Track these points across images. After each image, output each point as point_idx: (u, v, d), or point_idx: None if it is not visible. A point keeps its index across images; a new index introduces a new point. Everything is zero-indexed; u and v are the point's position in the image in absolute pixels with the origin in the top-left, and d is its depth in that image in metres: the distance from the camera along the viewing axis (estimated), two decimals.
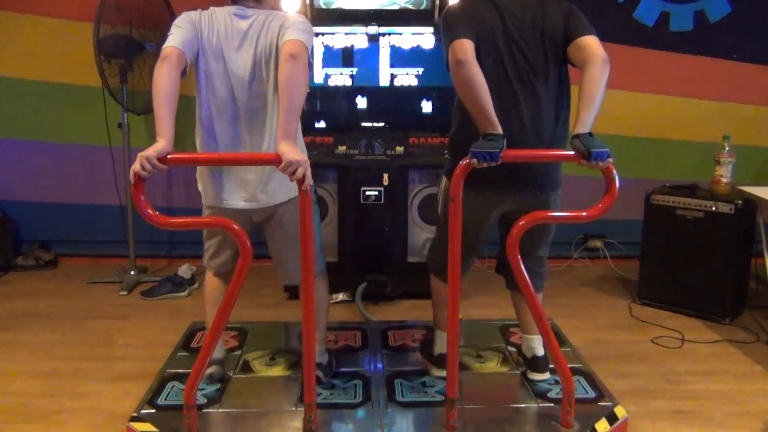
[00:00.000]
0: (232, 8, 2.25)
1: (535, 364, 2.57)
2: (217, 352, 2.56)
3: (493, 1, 2.25)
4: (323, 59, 3.41)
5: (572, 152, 2.05)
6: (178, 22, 2.21)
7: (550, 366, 2.53)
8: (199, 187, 2.39)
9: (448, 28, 2.20)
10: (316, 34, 3.36)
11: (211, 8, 2.26)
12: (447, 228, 2.38)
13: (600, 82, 2.08)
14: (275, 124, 2.22)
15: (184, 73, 2.15)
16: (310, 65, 2.16)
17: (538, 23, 2.22)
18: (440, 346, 2.59)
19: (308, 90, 2.17)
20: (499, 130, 2.07)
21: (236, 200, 2.31)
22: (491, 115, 2.08)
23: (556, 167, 2.38)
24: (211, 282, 2.53)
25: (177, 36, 2.15)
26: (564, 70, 2.30)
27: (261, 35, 2.20)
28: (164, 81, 2.05)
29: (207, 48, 2.21)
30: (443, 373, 2.49)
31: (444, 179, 2.50)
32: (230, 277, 2.34)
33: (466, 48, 2.10)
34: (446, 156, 2.49)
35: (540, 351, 2.56)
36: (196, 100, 2.28)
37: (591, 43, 2.15)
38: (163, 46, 2.13)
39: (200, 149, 2.31)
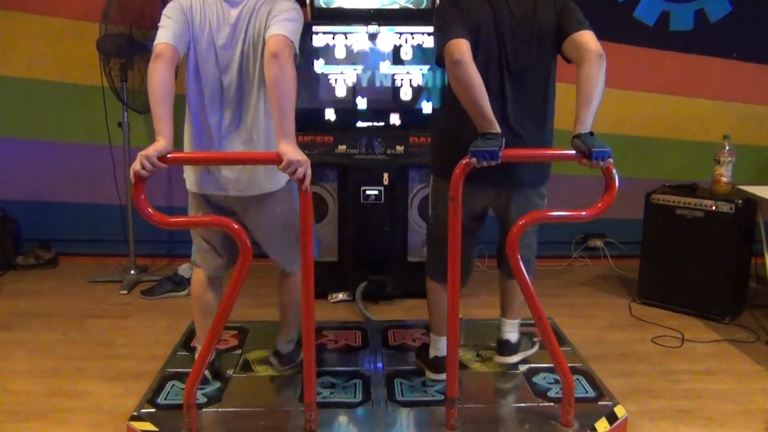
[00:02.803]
0: None
1: (500, 346, 2.63)
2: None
3: None
4: (323, 58, 3.40)
5: (572, 151, 2.05)
6: (167, 11, 2.16)
7: (518, 355, 2.63)
8: (184, 175, 2.35)
9: (442, 25, 2.19)
10: (317, 33, 3.37)
11: None
12: (436, 229, 2.42)
13: (596, 79, 2.07)
14: (262, 114, 2.21)
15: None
16: (296, 57, 2.11)
17: (529, 19, 2.22)
18: (434, 349, 2.59)
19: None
20: (497, 129, 2.07)
21: (219, 188, 2.29)
22: (489, 114, 2.08)
23: (542, 163, 2.39)
24: (201, 285, 2.45)
25: (168, 30, 2.10)
26: (553, 66, 2.30)
27: (250, 24, 2.17)
28: (159, 80, 2.02)
29: (198, 37, 2.18)
30: (440, 377, 2.52)
31: (432, 178, 2.50)
32: (218, 284, 2.35)
33: (462, 47, 2.10)
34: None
35: (507, 335, 2.61)
36: (186, 88, 2.25)
37: (586, 38, 2.14)
38: (155, 43, 2.08)
39: (187, 138, 2.29)
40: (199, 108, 2.25)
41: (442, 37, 2.15)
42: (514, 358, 2.64)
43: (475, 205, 2.40)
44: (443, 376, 2.53)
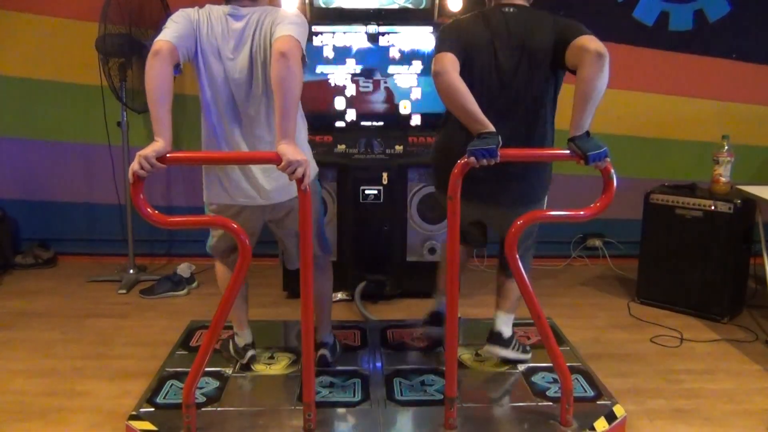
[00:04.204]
0: (227, 8, 2.21)
1: (492, 336, 2.63)
2: (248, 337, 2.66)
3: (487, 19, 2.30)
4: (323, 58, 3.40)
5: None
6: (174, 17, 2.17)
7: (509, 351, 2.63)
8: (204, 188, 2.38)
9: (438, 42, 2.27)
10: (316, 33, 3.37)
11: (208, 6, 2.23)
12: None
13: (594, 82, 2.06)
14: (273, 124, 2.21)
15: (177, 69, 2.10)
16: (304, 59, 2.11)
17: (525, 44, 2.26)
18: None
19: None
20: (492, 128, 2.08)
21: (247, 197, 2.31)
22: (479, 116, 2.10)
23: (535, 184, 2.42)
24: (219, 269, 2.64)
25: (171, 30, 2.10)
26: (551, 90, 2.32)
27: (255, 35, 2.18)
28: (156, 78, 2.01)
29: (207, 49, 2.18)
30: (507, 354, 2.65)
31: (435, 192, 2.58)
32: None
33: (443, 60, 2.16)
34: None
35: (499, 327, 2.61)
36: (200, 100, 2.27)
37: (584, 40, 2.13)
38: (155, 40, 2.07)
39: (204, 149, 2.32)
40: (213, 119, 2.26)
41: (435, 52, 2.23)
42: (503, 352, 2.62)
43: (469, 217, 2.45)
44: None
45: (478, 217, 2.56)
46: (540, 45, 2.24)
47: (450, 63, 2.16)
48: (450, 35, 2.28)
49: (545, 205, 2.52)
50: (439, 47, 2.23)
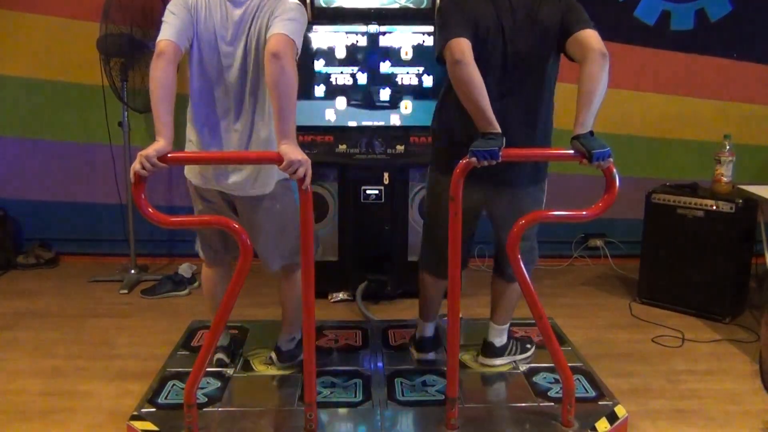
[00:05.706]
0: None
1: (484, 348, 2.68)
2: (221, 339, 2.63)
3: None
4: (324, 58, 3.40)
5: (573, 151, 2.06)
6: (171, 7, 2.15)
7: (502, 359, 2.66)
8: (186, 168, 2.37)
9: (444, 24, 2.19)
10: (317, 33, 3.36)
11: None
12: (430, 223, 2.53)
13: (598, 79, 2.06)
14: (265, 114, 2.21)
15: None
16: (297, 53, 2.08)
17: (532, 18, 2.22)
18: (419, 331, 2.74)
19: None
20: (497, 129, 2.07)
21: (221, 183, 2.29)
22: (489, 114, 2.08)
23: (533, 163, 2.39)
24: (208, 278, 2.59)
25: (171, 27, 2.10)
26: (556, 66, 2.30)
27: (253, 23, 2.17)
28: (161, 79, 2.02)
29: (203, 36, 2.17)
30: (424, 356, 2.71)
31: (428, 170, 2.54)
32: (221, 268, 2.46)
33: (463, 48, 2.10)
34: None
35: (492, 338, 2.66)
36: (189, 87, 2.26)
37: (589, 36, 2.12)
38: (158, 39, 2.08)
39: (190, 137, 2.29)
40: (201, 106, 2.25)
41: (443, 35, 2.16)
42: (498, 361, 2.66)
43: (468, 203, 2.40)
44: (429, 356, 2.70)
45: (482, 204, 2.44)
46: (547, 22, 2.20)
47: (469, 51, 2.09)
48: (455, 15, 2.19)
49: (546, 188, 2.48)
50: (447, 29, 2.14)
